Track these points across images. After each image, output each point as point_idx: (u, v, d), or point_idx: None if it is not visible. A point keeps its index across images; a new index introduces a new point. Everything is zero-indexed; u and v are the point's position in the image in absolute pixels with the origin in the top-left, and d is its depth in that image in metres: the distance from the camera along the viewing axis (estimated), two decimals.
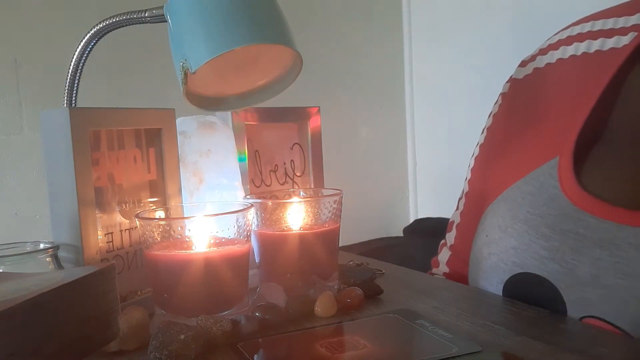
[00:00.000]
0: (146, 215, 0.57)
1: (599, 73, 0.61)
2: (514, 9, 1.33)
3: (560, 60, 0.67)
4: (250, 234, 0.57)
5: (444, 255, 0.78)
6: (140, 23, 0.63)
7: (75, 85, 0.65)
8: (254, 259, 0.65)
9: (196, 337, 0.47)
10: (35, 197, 1.16)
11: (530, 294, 0.57)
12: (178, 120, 0.67)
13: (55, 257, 0.54)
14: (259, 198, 0.66)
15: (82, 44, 0.64)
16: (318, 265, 0.63)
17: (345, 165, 1.57)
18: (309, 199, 0.69)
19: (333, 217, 0.65)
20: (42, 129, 0.57)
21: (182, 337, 0.46)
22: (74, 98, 0.66)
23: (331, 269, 0.64)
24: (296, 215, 0.64)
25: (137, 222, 0.56)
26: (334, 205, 0.65)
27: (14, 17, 1.16)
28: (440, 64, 1.57)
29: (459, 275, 0.74)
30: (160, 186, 0.65)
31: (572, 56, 0.65)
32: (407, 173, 1.70)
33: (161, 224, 0.55)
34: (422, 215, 1.66)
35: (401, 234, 1.56)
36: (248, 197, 0.69)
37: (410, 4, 1.65)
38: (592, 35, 0.64)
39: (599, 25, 0.64)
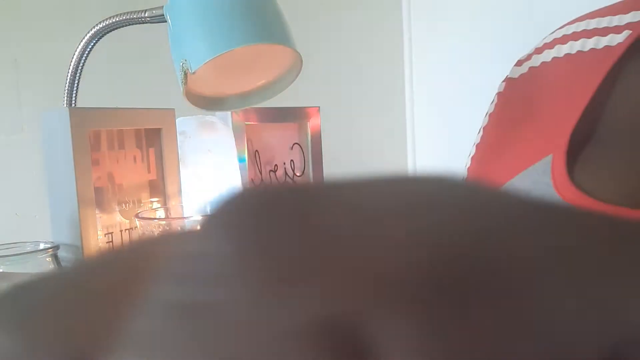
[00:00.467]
0: (146, 215, 0.57)
1: (593, 71, 0.61)
2: (515, 9, 1.33)
3: (555, 59, 0.67)
4: None
5: None
6: (140, 23, 0.63)
7: (75, 85, 0.65)
8: None
9: None
10: (35, 197, 1.16)
11: None
12: (178, 120, 0.67)
13: (55, 257, 0.54)
14: None
15: (82, 44, 0.64)
16: None
17: (345, 165, 1.57)
18: None
19: None
20: (42, 129, 0.57)
21: None
22: (74, 98, 0.66)
23: None
24: None
25: (137, 222, 0.56)
26: None
27: (14, 17, 1.16)
28: (441, 64, 1.57)
29: None
30: (160, 186, 0.65)
31: (567, 55, 0.65)
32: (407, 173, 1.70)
33: (161, 224, 0.55)
34: None
35: None
36: None
37: (410, 4, 1.66)
38: (587, 33, 0.64)
39: (594, 23, 0.64)
